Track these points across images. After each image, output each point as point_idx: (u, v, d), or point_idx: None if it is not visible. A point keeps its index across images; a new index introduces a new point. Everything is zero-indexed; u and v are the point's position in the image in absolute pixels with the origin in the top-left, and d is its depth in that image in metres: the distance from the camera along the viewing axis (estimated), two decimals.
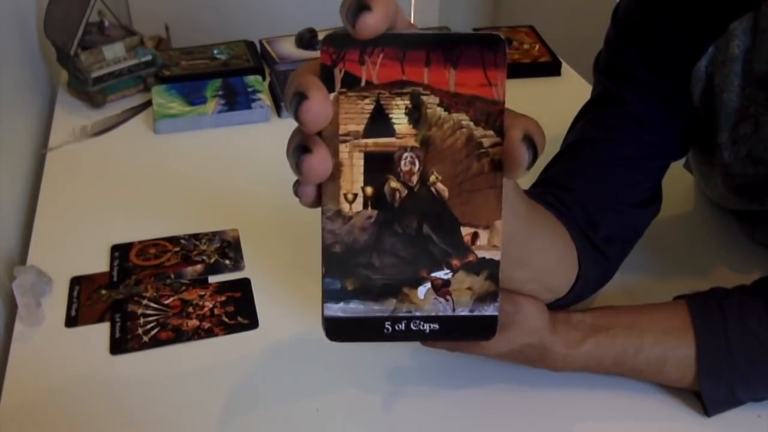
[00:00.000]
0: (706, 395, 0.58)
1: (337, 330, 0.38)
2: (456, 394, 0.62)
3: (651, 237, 0.69)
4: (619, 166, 0.65)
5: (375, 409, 0.61)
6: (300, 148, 0.35)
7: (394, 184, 0.37)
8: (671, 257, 0.77)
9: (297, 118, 0.34)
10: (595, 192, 0.64)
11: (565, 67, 1.19)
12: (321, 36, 1.20)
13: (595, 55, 0.71)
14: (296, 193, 0.37)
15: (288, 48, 1.20)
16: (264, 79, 1.13)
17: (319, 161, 0.35)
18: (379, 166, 0.36)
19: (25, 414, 0.60)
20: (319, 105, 0.34)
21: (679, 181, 0.89)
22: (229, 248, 0.78)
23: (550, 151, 0.68)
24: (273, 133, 1.01)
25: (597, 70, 0.70)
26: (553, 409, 0.60)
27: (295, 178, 0.36)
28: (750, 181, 0.66)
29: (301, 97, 0.33)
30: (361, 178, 0.36)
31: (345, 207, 0.37)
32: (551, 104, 0.84)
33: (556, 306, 0.60)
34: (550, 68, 1.18)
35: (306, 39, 1.19)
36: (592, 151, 0.67)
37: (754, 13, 0.59)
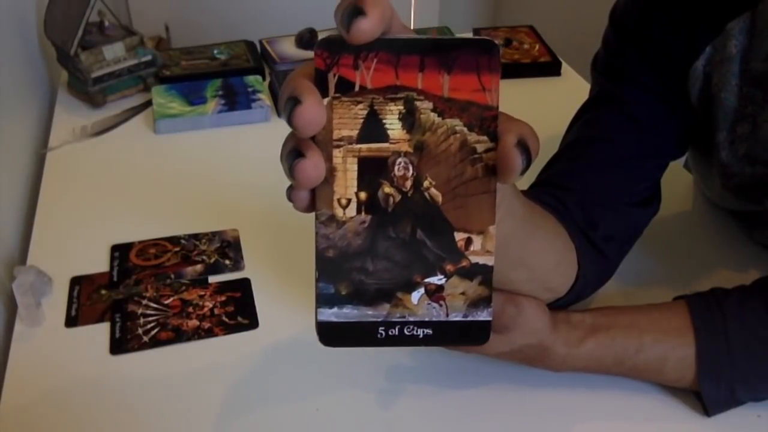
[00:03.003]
0: (706, 395, 0.58)
1: (331, 335, 0.38)
2: (455, 394, 0.62)
3: (650, 237, 0.69)
4: (618, 166, 0.65)
5: (375, 409, 0.61)
6: (293, 152, 0.35)
7: (387, 189, 0.37)
8: (671, 257, 0.77)
9: (290, 122, 0.34)
10: (594, 192, 0.64)
11: (565, 67, 1.19)
12: (321, 36, 1.20)
13: (594, 55, 0.71)
14: (290, 198, 0.37)
15: (288, 48, 1.20)
16: (264, 79, 1.13)
17: (312, 166, 0.35)
18: (372, 171, 0.36)
19: (25, 414, 0.60)
20: (312, 110, 0.33)
21: (678, 181, 0.89)
22: (229, 248, 0.78)
23: (549, 150, 0.68)
24: (273, 133, 1.01)
25: (595, 70, 0.71)
26: (553, 409, 0.60)
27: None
28: (748, 180, 0.66)
29: (295, 101, 0.33)
30: (355, 183, 0.36)
31: (339, 212, 0.37)
32: (551, 104, 0.84)
33: (556, 306, 0.60)
34: (550, 68, 1.18)
35: (306, 39, 1.19)
36: (590, 150, 0.67)
37: (751, 13, 0.59)
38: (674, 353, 0.58)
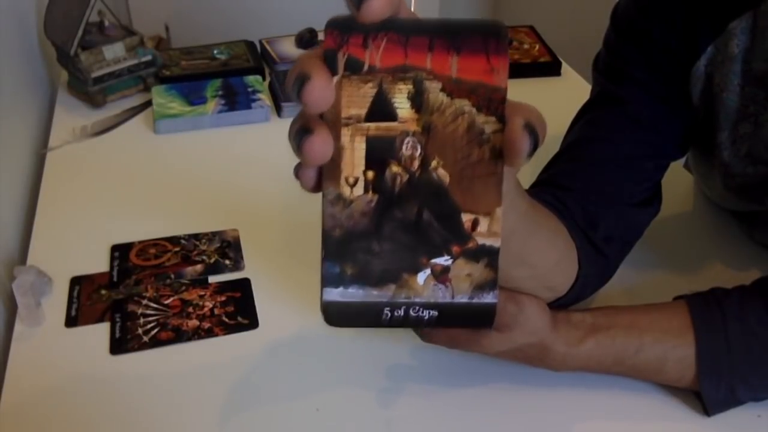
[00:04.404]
0: (706, 395, 0.58)
1: (335, 315, 0.38)
2: (456, 393, 0.62)
3: (651, 237, 0.69)
4: (619, 166, 0.65)
5: (375, 409, 0.61)
6: (302, 130, 0.35)
7: (395, 168, 0.37)
8: (671, 257, 0.77)
9: (300, 99, 0.34)
10: (595, 192, 0.64)
11: (565, 67, 1.19)
12: (321, 36, 1.20)
13: (595, 55, 0.71)
14: (297, 176, 0.37)
15: (288, 48, 1.20)
16: (264, 79, 1.13)
17: (320, 142, 0.35)
18: (380, 150, 0.36)
19: (25, 414, 0.60)
20: (321, 86, 0.34)
21: (679, 181, 0.89)
22: (229, 248, 0.78)
23: (550, 150, 0.68)
24: (273, 133, 1.01)
25: (596, 70, 0.71)
26: (553, 409, 0.60)
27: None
28: (750, 180, 0.66)
29: (304, 78, 0.34)
30: (363, 162, 0.36)
31: (346, 191, 0.36)
32: (551, 104, 0.84)
33: (557, 305, 0.60)
34: (550, 68, 1.18)
35: (306, 39, 1.19)
36: (591, 150, 0.67)
37: (753, 13, 0.59)
38: (674, 353, 0.58)
